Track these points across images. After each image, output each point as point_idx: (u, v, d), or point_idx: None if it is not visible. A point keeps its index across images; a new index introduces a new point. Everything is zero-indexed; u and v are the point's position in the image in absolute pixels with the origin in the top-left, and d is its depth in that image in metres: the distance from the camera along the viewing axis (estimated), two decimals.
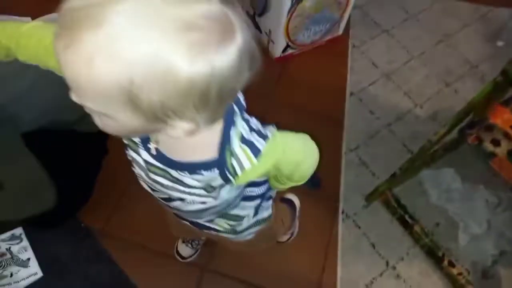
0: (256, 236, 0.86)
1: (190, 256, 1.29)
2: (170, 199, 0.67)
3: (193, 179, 0.58)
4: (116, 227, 1.34)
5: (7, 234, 1.26)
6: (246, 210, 0.77)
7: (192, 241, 1.28)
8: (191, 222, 0.81)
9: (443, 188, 1.44)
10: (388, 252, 1.35)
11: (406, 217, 1.36)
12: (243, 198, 0.74)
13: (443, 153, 1.50)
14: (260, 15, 1.73)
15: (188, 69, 0.39)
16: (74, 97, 0.45)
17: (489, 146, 1.16)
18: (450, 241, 1.38)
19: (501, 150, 1.16)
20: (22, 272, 1.22)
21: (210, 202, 0.64)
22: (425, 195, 1.45)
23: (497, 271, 1.33)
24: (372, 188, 1.42)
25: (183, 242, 1.29)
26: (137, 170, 0.66)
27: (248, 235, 0.84)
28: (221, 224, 0.79)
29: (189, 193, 0.61)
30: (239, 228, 0.80)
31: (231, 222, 0.78)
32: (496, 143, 1.17)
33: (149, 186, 0.67)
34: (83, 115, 1.25)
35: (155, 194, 0.69)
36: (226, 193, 0.64)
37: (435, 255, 1.30)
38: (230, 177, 0.57)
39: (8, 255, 1.23)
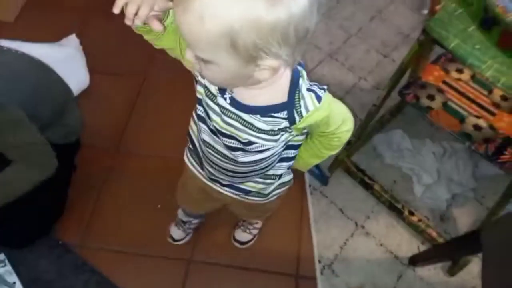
0: (275, 200, 0.97)
1: (182, 239, 1.35)
2: (234, 147, 0.75)
3: (262, 122, 0.68)
4: (93, 239, 1.36)
5: None
6: (279, 170, 0.87)
7: (185, 225, 1.34)
8: (228, 185, 0.91)
9: (394, 148, 1.57)
10: (355, 213, 1.46)
11: (366, 179, 1.47)
12: (280, 160, 0.83)
13: (389, 117, 1.63)
14: None
15: (270, 14, 0.50)
16: (188, 53, 0.58)
17: (425, 102, 1.29)
18: (408, 194, 1.51)
19: (436, 103, 1.29)
20: None
21: (270, 147, 0.74)
22: (380, 157, 1.58)
23: (452, 212, 1.47)
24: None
25: (176, 225, 1.35)
26: (204, 124, 0.76)
27: (272, 197, 0.96)
28: (254, 185, 0.89)
29: (257, 137, 0.71)
30: (266, 191, 0.92)
31: (267, 181, 0.88)
32: (431, 98, 1.31)
33: (218, 131, 0.74)
34: (50, 121, 1.18)
35: (224, 141, 0.75)
36: (282, 141, 0.74)
37: (396, 208, 1.42)
38: (296, 118, 0.68)
39: None
